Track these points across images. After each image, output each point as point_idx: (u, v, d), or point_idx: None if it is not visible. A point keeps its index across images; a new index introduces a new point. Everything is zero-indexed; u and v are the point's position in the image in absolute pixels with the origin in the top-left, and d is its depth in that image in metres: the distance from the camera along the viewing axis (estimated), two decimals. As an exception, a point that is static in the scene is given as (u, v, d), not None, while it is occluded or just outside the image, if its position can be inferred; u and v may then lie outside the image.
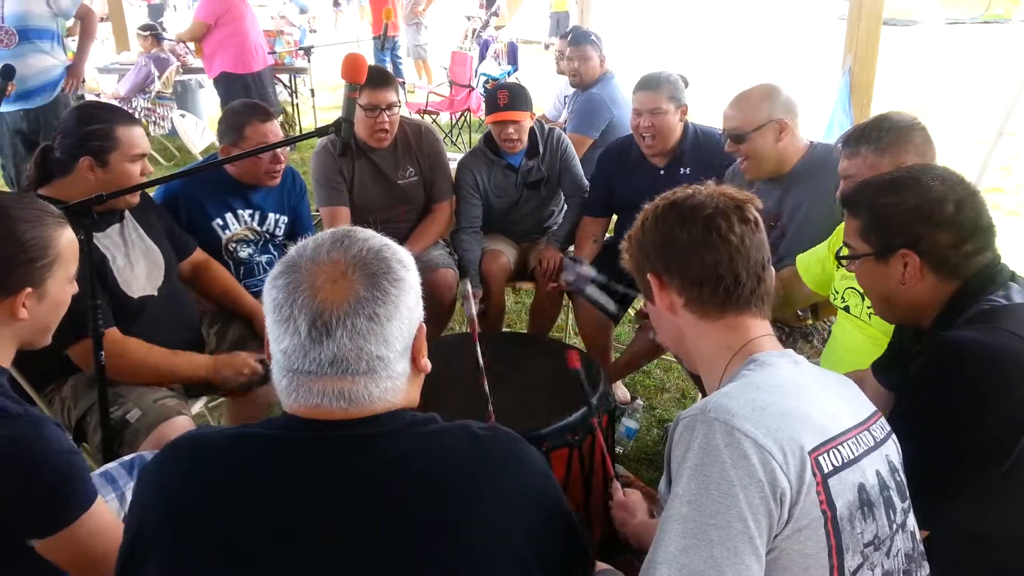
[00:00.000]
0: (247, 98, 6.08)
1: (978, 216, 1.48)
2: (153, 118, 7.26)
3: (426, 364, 1.12)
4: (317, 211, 3.25)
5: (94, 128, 2.11)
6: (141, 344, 2.14)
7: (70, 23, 4.88)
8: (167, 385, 2.21)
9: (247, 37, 6.20)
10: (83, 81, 5.33)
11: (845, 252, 1.62)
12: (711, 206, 1.26)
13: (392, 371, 1.05)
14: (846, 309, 2.13)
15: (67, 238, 1.49)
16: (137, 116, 5.41)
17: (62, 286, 1.49)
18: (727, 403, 1.11)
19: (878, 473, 1.17)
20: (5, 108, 4.21)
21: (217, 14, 6.07)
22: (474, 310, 2.12)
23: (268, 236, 2.84)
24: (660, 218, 1.30)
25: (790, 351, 1.27)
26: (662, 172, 3.04)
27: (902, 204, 1.49)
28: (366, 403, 1.04)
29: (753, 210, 1.28)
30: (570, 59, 4.42)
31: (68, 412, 2.13)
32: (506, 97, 3.16)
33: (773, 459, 1.05)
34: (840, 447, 1.13)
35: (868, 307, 2.04)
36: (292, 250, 1.09)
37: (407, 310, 1.06)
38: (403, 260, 1.09)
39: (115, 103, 6.67)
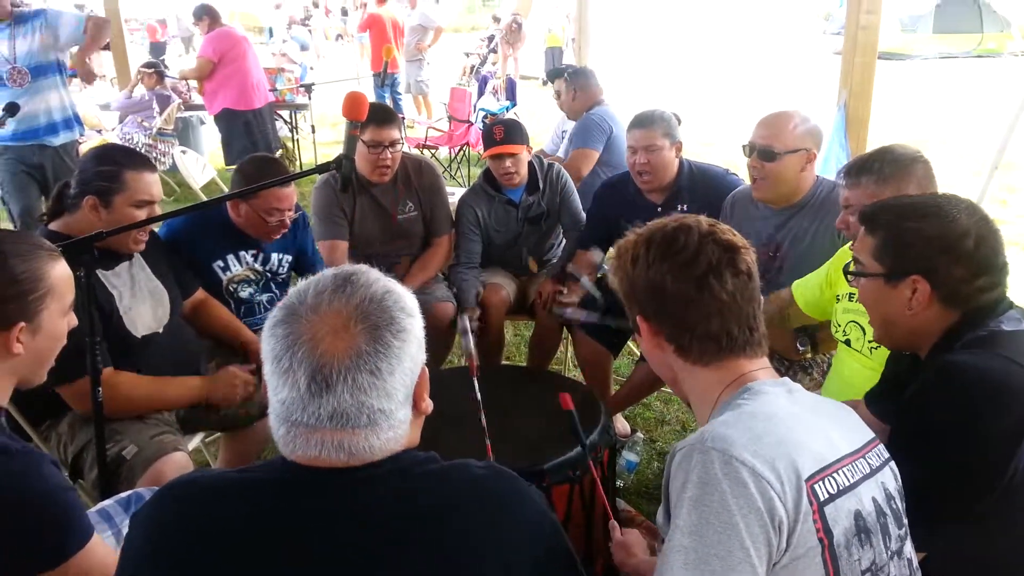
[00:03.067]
0: (248, 134, 6.24)
1: (995, 254, 1.47)
2: (154, 154, 7.31)
3: (428, 406, 1.10)
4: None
5: (103, 169, 2.12)
6: (130, 376, 2.12)
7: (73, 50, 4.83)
8: (162, 414, 2.21)
9: (249, 74, 6.29)
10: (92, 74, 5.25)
11: (853, 268, 1.61)
12: (704, 263, 1.24)
13: (394, 421, 1.03)
14: (847, 342, 2.13)
15: (59, 271, 1.49)
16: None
17: (56, 320, 1.48)
18: (724, 432, 1.11)
19: (874, 500, 1.17)
20: (13, 143, 4.24)
21: (221, 51, 6.16)
22: (472, 345, 2.09)
23: (270, 275, 2.84)
24: (652, 263, 1.28)
25: (786, 379, 1.27)
26: (660, 209, 3.05)
27: (923, 231, 1.48)
28: (366, 453, 1.02)
29: (747, 259, 1.27)
30: (557, 93, 4.81)
31: (64, 449, 2.12)
32: (502, 132, 3.21)
33: (771, 488, 1.05)
34: (836, 474, 1.13)
35: (869, 341, 2.04)
36: (292, 295, 1.06)
37: (410, 359, 1.04)
38: (406, 307, 1.06)
39: (119, 141, 6.73)
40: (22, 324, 1.41)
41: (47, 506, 1.29)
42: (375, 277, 1.08)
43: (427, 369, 1.10)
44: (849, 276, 1.64)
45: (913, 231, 1.49)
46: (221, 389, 2.27)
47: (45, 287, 1.44)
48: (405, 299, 1.07)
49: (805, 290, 2.34)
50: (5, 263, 1.41)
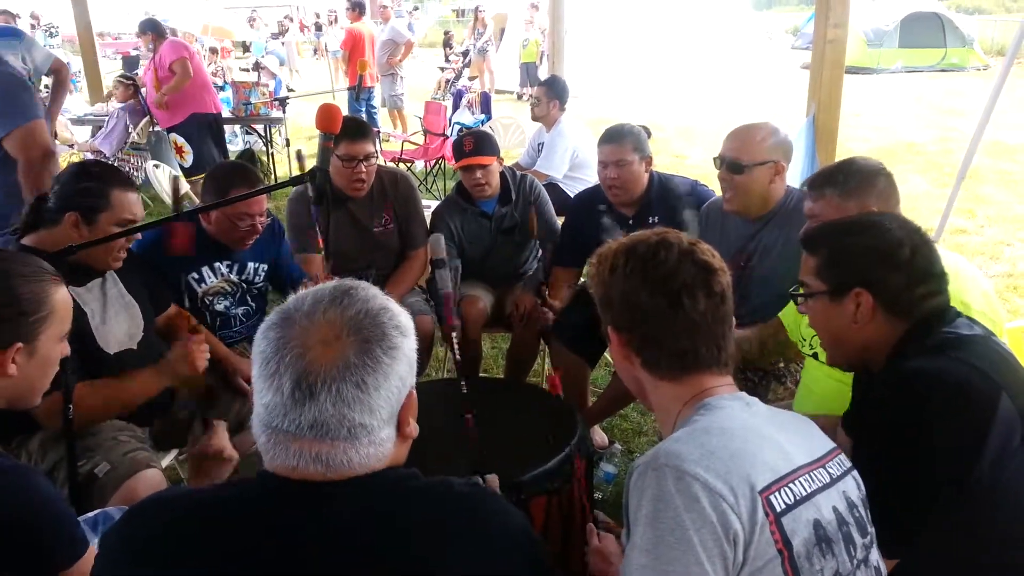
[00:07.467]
0: (214, 136, 6.30)
1: (931, 263, 1.53)
2: (127, 168, 7.23)
3: (412, 430, 1.09)
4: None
5: (88, 185, 2.10)
6: (83, 386, 2.02)
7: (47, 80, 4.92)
8: (136, 431, 2.17)
9: (207, 79, 6.57)
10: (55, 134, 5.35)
11: (801, 290, 1.65)
12: (679, 280, 1.25)
13: (375, 438, 1.02)
14: (814, 356, 2.15)
15: (61, 295, 1.48)
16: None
17: (52, 344, 1.47)
18: (677, 448, 1.13)
19: (835, 509, 1.18)
20: None
21: (186, 56, 6.29)
22: (449, 281, 2.01)
23: (246, 286, 2.82)
24: (628, 275, 1.29)
25: (742, 393, 1.29)
26: (631, 222, 3.08)
27: (859, 244, 1.54)
28: (344, 468, 1.01)
29: (722, 281, 1.28)
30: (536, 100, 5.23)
31: (35, 467, 2.08)
32: (471, 143, 3.24)
33: (724, 501, 1.06)
34: (792, 485, 1.14)
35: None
36: (290, 300, 1.06)
37: (398, 379, 1.03)
38: (401, 325, 1.06)
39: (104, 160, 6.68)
40: (19, 345, 1.40)
41: (45, 519, 1.30)
42: (374, 293, 1.08)
43: (415, 393, 1.08)
44: (798, 299, 1.67)
45: (851, 245, 1.55)
46: (181, 362, 2.13)
47: (47, 310, 1.44)
48: (400, 317, 1.07)
49: (786, 314, 2.37)
50: (8, 283, 1.40)
